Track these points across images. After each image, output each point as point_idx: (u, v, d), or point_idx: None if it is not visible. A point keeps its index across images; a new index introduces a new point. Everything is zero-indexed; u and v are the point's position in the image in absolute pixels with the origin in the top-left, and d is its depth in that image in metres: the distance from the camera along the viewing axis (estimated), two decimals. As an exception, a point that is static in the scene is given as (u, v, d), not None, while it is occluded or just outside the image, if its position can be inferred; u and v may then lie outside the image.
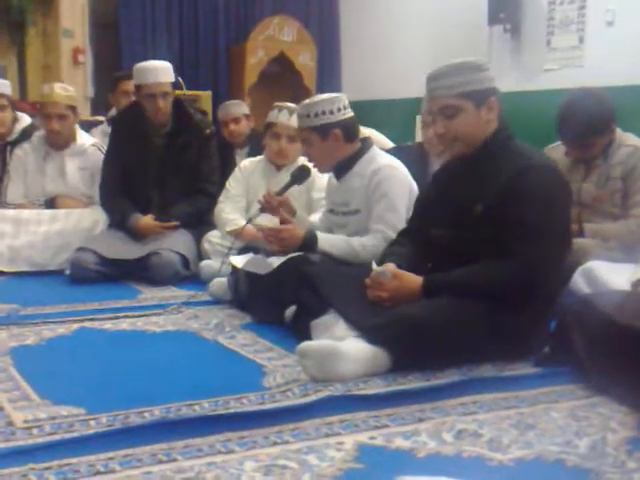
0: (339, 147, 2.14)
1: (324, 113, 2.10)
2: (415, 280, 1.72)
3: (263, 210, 2.30)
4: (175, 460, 1.19)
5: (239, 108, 3.68)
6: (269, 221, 2.42)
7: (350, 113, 2.16)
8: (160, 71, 2.80)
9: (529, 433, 1.30)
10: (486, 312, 1.63)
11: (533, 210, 1.64)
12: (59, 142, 3.04)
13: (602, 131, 2.24)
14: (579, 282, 1.96)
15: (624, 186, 2.24)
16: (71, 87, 3.15)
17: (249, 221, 2.36)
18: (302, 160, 2.63)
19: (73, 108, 3.01)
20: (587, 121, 2.19)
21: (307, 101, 2.17)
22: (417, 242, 1.87)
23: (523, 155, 1.71)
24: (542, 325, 1.74)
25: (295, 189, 2.49)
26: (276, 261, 2.12)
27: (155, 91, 2.76)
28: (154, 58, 3.06)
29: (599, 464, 1.17)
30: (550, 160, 1.80)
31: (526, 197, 1.64)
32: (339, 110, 2.12)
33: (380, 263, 1.82)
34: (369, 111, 3.88)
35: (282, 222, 2.29)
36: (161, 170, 2.85)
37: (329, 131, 2.11)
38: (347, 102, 2.16)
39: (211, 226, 2.86)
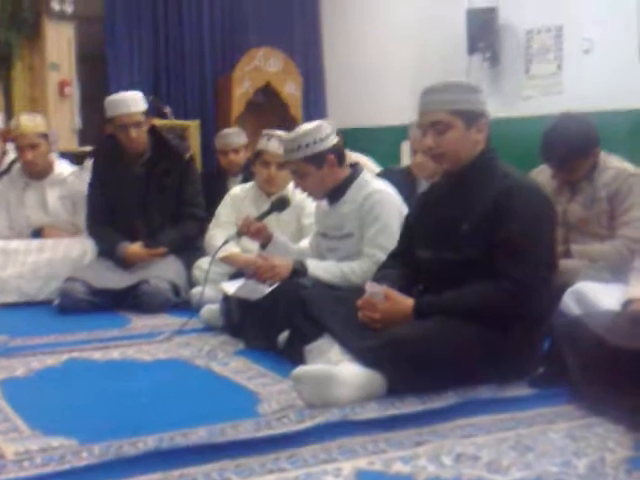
0: (333, 173, 2.16)
1: (315, 142, 2.11)
2: (407, 302, 1.72)
3: (240, 234, 2.31)
4: (171, 490, 1.17)
5: (239, 138, 3.63)
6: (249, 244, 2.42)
7: (336, 138, 2.18)
8: (130, 101, 2.81)
9: (528, 454, 1.29)
10: (479, 334, 1.64)
11: (520, 231, 1.66)
12: (36, 172, 3.04)
13: (586, 154, 2.28)
14: (569, 303, 1.97)
15: (610, 207, 2.28)
16: (39, 116, 3.15)
17: (225, 242, 2.34)
18: (291, 187, 2.66)
19: (44, 135, 3.02)
20: (571, 145, 2.23)
21: (292, 135, 2.17)
22: (406, 264, 1.88)
23: (508, 176, 1.74)
24: (535, 346, 1.74)
25: (285, 214, 2.51)
26: (268, 287, 2.11)
27: (127, 121, 2.77)
28: (141, 89, 3.09)
29: (599, 484, 1.17)
30: (535, 181, 1.83)
31: (512, 218, 1.66)
32: (327, 137, 2.14)
33: (375, 280, 1.81)
34: (355, 138, 3.93)
35: (262, 246, 2.30)
36: (144, 199, 2.86)
37: (324, 158, 2.12)
38: (330, 129, 2.17)
39: (201, 252, 2.85)
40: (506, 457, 1.28)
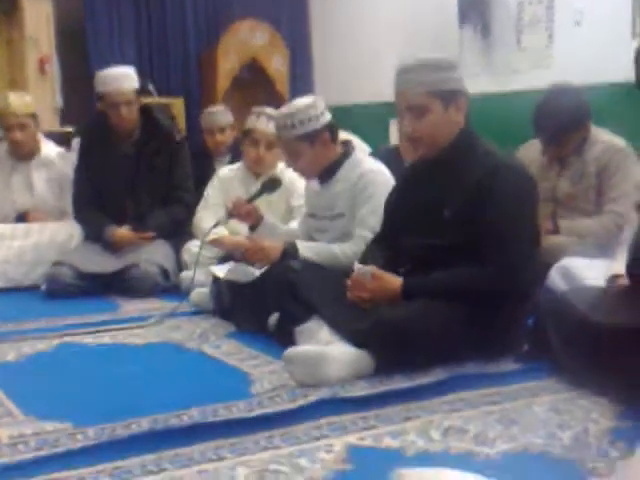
0: (327, 151, 2.13)
1: (309, 120, 2.07)
2: (395, 281, 1.73)
3: (230, 216, 2.30)
4: (165, 470, 1.18)
5: (225, 117, 3.52)
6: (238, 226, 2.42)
7: (329, 115, 2.15)
8: (122, 78, 2.73)
9: (513, 427, 1.33)
10: (464, 313, 1.66)
11: (503, 213, 1.65)
12: (23, 152, 2.98)
13: (577, 128, 2.26)
14: (556, 279, 1.99)
15: (598, 182, 2.29)
16: (28, 95, 3.09)
17: (216, 224, 2.34)
18: (281, 167, 2.64)
19: (33, 116, 2.96)
20: (563, 118, 2.21)
21: (285, 111, 2.12)
22: (389, 248, 1.87)
23: (490, 155, 1.72)
24: (520, 322, 1.77)
25: (274, 196, 2.50)
26: (258, 269, 2.12)
27: (118, 99, 2.70)
28: (123, 65, 2.97)
29: (583, 454, 1.21)
30: (516, 160, 1.80)
31: (496, 201, 1.65)
32: (322, 114, 2.10)
33: (361, 263, 1.81)
34: (343, 115, 3.90)
35: (251, 228, 2.29)
36: (133, 179, 2.81)
37: (317, 136, 2.09)
38: (324, 106, 2.14)
39: (190, 236, 2.83)
40: (492, 430, 1.32)
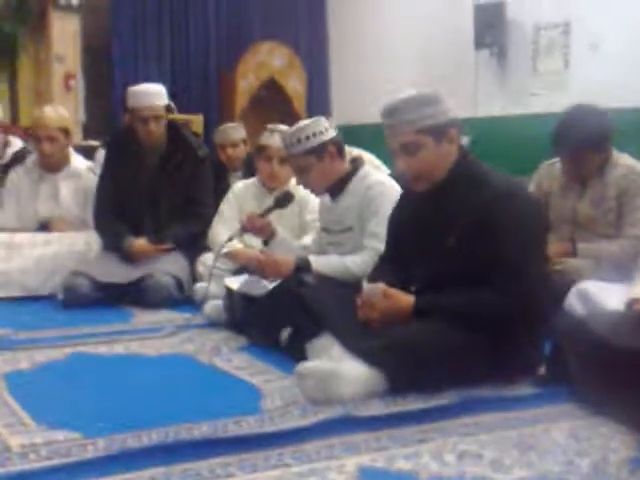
0: (334, 165, 2.17)
1: (314, 135, 2.14)
2: (406, 299, 1.70)
3: (244, 230, 2.32)
4: (175, 485, 1.17)
5: (238, 133, 3.64)
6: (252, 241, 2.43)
7: (335, 131, 2.21)
8: (153, 95, 2.82)
9: (530, 453, 1.30)
10: (480, 334, 1.63)
11: (514, 247, 1.62)
12: (51, 164, 3.03)
13: (598, 146, 2.24)
14: (573, 303, 1.96)
15: (618, 206, 2.27)
16: (63, 109, 3.16)
17: (230, 239, 2.36)
18: (294, 183, 2.66)
19: (65, 130, 3.01)
20: (585, 135, 2.18)
21: (291, 130, 2.20)
22: (398, 267, 1.85)
23: (490, 183, 1.68)
24: (537, 345, 1.74)
25: (288, 210, 2.51)
26: (271, 283, 2.11)
27: (147, 114, 2.78)
28: (146, 82, 3.07)
29: (602, 484, 1.18)
30: (520, 184, 1.75)
31: (504, 232, 1.62)
32: (326, 130, 2.17)
33: (369, 282, 1.80)
34: (359, 135, 3.93)
35: (265, 242, 2.31)
36: (155, 192, 2.85)
37: (324, 150, 2.15)
38: (328, 123, 2.21)
39: (205, 249, 2.85)
40: (509, 456, 1.29)
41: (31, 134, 3.15)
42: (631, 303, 1.66)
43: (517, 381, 1.67)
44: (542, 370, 1.71)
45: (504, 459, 1.27)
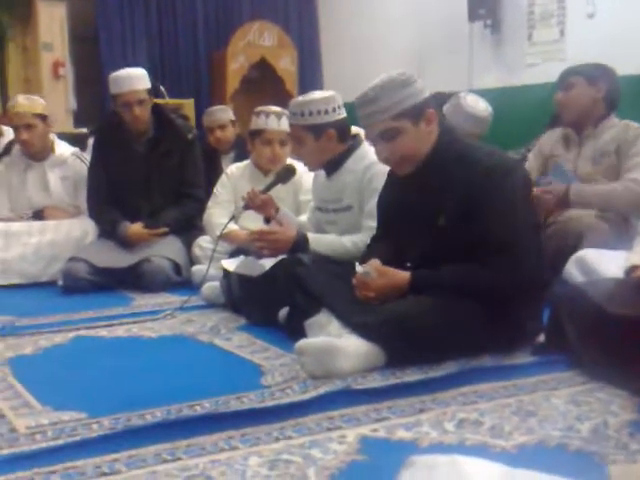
0: (331, 147, 2.14)
1: (319, 113, 2.08)
2: (402, 276, 1.70)
3: (247, 207, 2.31)
4: (179, 459, 1.19)
5: (225, 114, 3.67)
6: (254, 218, 2.42)
7: (344, 113, 2.14)
8: (134, 79, 2.78)
9: (530, 419, 1.31)
10: (478, 305, 1.63)
11: (498, 218, 1.62)
12: (33, 152, 3.02)
13: (591, 78, 2.33)
14: (572, 271, 1.97)
15: (618, 160, 2.31)
16: (37, 97, 3.13)
17: (232, 218, 2.35)
18: (289, 162, 2.64)
19: (42, 117, 2.99)
20: (580, 67, 2.35)
21: (301, 99, 2.14)
22: (391, 245, 1.84)
23: (475, 159, 1.67)
24: (535, 314, 1.75)
25: (282, 191, 2.50)
26: (268, 263, 2.11)
27: (130, 99, 2.74)
28: (135, 67, 3.03)
29: (602, 447, 1.19)
30: (503, 158, 1.73)
31: (488, 206, 1.62)
32: (334, 110, 2.10)
33: (363, 262, 1.79)
34: (352, 112, 3.90)
35: (267, 220, 2.29)
36: (146, 177, 2.84)
37: (323, 131, 2.10)
38: (341, 102, 2.14)
39: (201, 231, 2.85)
40: (508, 422, 1.30)
41: (8, 124, 3.14)
42: (630, 270, 1.67)
43: (516, 350, 1.68)
44: (541, 338, 1.72)
45: (504, 425, 1.29)
